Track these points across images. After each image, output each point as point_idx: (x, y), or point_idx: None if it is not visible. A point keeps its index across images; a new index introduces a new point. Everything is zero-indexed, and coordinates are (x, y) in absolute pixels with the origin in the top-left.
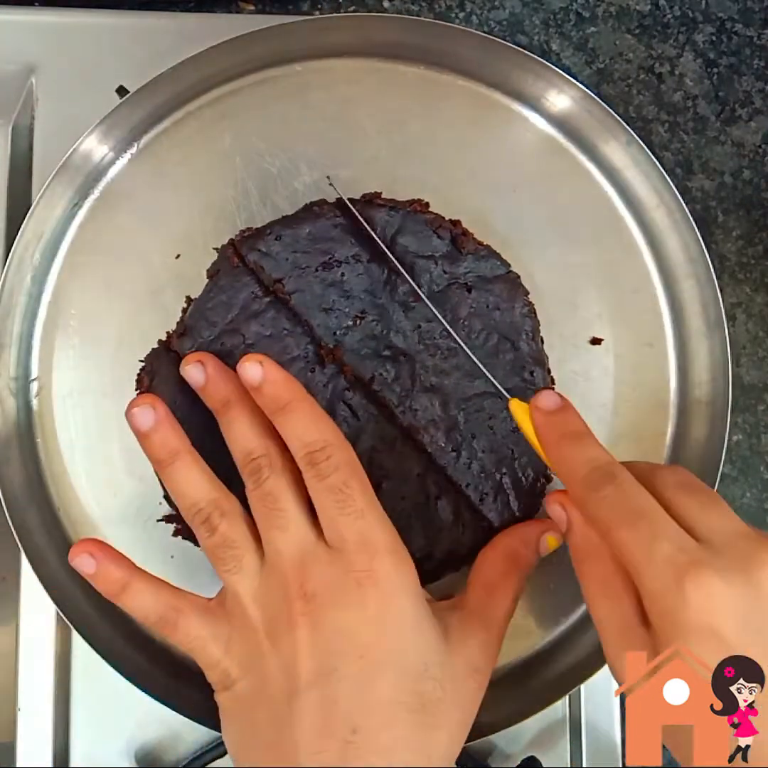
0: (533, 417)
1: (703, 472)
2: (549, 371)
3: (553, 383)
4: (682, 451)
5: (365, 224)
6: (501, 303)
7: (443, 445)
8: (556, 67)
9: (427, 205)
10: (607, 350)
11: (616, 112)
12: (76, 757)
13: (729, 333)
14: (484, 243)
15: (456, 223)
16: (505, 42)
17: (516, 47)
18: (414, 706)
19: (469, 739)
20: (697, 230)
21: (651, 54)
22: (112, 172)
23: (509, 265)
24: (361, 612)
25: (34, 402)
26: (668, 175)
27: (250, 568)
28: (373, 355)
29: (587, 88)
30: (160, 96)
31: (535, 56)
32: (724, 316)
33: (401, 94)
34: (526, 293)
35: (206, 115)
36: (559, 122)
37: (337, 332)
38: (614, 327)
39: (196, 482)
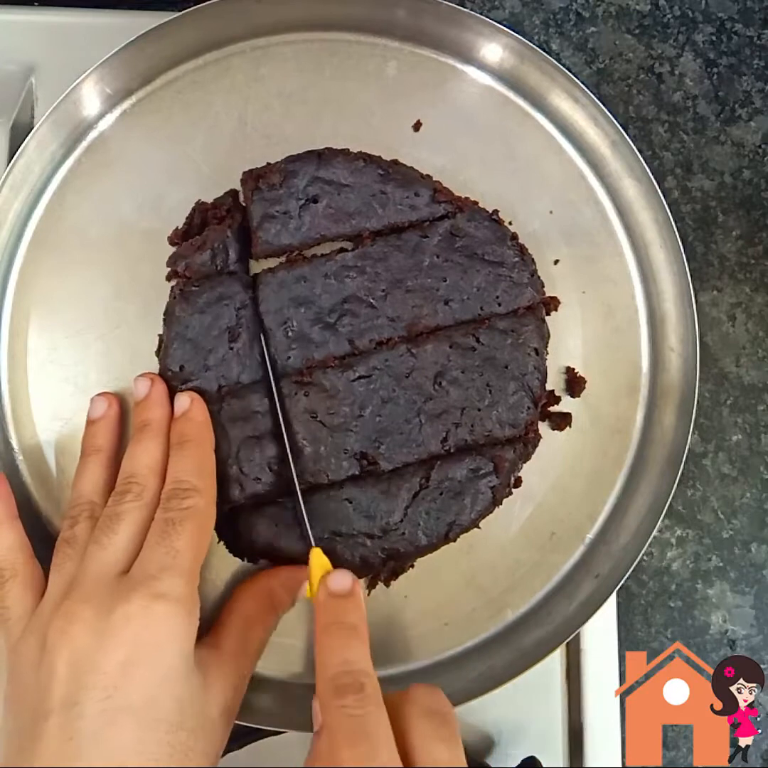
0: (319, 591)
1: (677, 425)
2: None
3: None
4: (658, 402)
5: None
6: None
7: None
8: (563, 66)
9: None
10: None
11: (615, 111)
12: None
13: (729, 333)
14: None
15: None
16: (441, 1)
17: (455, 6)
18: (160, 756)
19: (475, 695)
20: (652, 177)
21: (651, 54)
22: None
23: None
24: (118, 649)
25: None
26: (668, 175)
27: (68, 572)
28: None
29: (523, 36)
30: (143, 60)
31: (473, 13)
32: (681, 248)
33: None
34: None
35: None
36: (503, 76)
37: None
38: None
39: (90, 480)
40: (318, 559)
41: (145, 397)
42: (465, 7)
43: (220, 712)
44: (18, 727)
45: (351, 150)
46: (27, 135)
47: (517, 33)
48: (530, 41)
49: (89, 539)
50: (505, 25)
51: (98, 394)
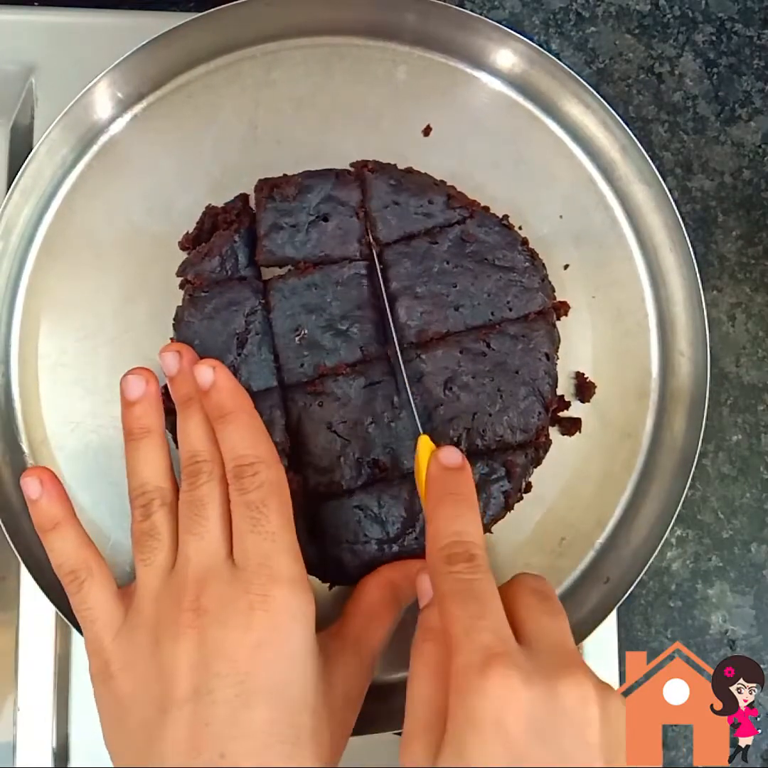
0: (430, 464)
1: (687, 429)
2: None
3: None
4: (668, 406)
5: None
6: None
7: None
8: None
9: None
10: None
11: (615, 111)
12: (76, 757)
13: (729, 333)
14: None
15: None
16: (450, 5)
17: (465, 11)
18: (289, 737)
19: None
20: (662, 181)
21: (651, 54)
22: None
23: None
24: (246, 636)
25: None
26: (668, 176)
27: (161, 565)
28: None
29: (531, 40)
30: (151, 67)
31: (483, 17)
32: (691, 251)
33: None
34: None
35: (177, 99)
36: (512, 81)
37: None
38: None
39: (152, 464)
40: (425, 444)
41: (179, 370)
42: (464, 8)
43: (342, 700)
44: (140, 720)
45: (359, 156)
46: (27, 135)
47: (517, 33)
48: (530, 41)
49: (174, 529)
50: (505, 25)
51: (131, 373)
